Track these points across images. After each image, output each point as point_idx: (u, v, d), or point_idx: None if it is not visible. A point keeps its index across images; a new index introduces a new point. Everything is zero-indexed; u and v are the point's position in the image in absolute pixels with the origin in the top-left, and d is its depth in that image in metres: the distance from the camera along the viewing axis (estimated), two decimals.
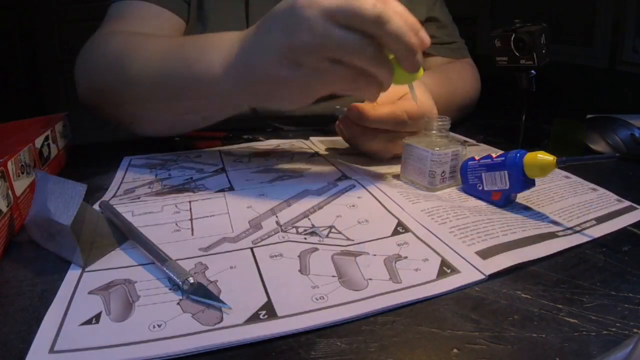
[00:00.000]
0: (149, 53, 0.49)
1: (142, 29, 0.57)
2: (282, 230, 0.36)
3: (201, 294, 0.28)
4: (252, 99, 0.45)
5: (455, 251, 0.33)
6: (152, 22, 0.59)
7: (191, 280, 0.28)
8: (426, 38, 0.39)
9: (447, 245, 0.34)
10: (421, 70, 0.40)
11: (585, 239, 0.35)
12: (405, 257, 0.32)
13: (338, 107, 0.50)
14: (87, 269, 0.32)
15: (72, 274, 0.31)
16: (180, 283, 0.28)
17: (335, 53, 0.36)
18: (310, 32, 0.36)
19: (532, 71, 0.57)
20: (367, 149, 0.52)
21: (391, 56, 0.39)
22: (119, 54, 0.51)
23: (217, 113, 0.49)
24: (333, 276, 0.30)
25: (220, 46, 0.43)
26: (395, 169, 0.49)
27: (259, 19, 0.49)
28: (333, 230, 0.37)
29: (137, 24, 0.58)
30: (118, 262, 0.33)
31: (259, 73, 0.40)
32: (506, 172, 0.39)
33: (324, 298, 0.28)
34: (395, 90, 0.51)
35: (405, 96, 0.50)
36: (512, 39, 0.56)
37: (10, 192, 0.36)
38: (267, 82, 0.40)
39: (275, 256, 0.33)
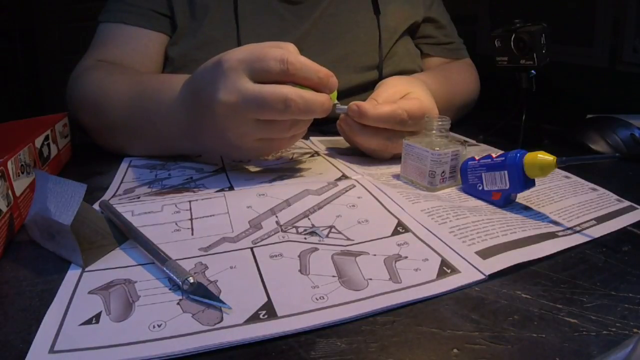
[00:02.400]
0: (119, 102, 0.54)
1: (127, 53, 0.63)
2: (282, 230, 0.36)
3: (201, 294, 0.28)
4: (207, 152, 0.51)
5: (455, 251, 0.33)
6: (135, 43, 0.64)
7: (191, 280, 0.28)
8: (335, 84, 0.43)
9: (447, 245, 0.34)
10: (335, 95, 0.45)
11: (585, 239, 0.35)
12: (405, 257, 0.32)
13: (339, 104, 0.50)
14: (87, 269, 0.32)
15: (72, 274, 0.31)
16: (180, 283, 0.28)
17: (265, 137, 0.43)
18: (235, 129, 0.42)
19: (532, 71, 0.57)
20: (367, 147, 0.52)
21: None
22: (94, 102, 0.56)
23: (189, 153, 0.55)
24: (333, 276, 0.30)
25: (170, 112, 0.48)
26: (395, 169, 0.49)
27: (249, 19, 0.57)
28: (333, 230, 0.37)
29: (123, 48, 0.63)
30: (118, 262, 0.33)
31: (202, 143, 0.48)
32: (506, 172, 0.39)
33: (324, 298, 0.28)
34: (396, 89, 0.51)
35: (407, 95, 0.50)
36: (512, 39, 0.56)
37: (10, 192, 0.36)
38: (210, 148, 0.47)
39: (275, 256, 0.33)
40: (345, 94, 0.70)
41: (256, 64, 0.40)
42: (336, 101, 0.47)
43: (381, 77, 0.70)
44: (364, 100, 0.50)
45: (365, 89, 0.70)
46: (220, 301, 0.27)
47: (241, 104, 0.40)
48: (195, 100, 0.44)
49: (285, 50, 0.41)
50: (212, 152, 0.47)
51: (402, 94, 0.50)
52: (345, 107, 0.49)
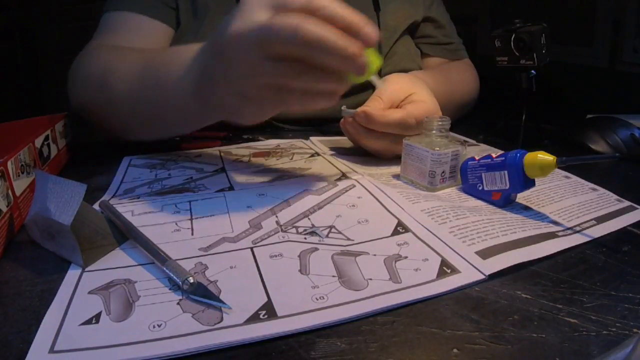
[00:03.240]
0: (126, 75, 0.51)
1: (131, 41, 0.60)
2: (282, 230, 0.36)
3: (201, 294, 0.28)
4: (215, 116, 0.45)
5: (455, 251, 0.33)
6: (140, 33, 0.62)
7: (191, 280, 0.28)
8: (371, 35, 0.34)
9: (447, 245, 0.34)
10: (378, 60, 0.36)
11: (585, 239, 0.35)
12: (405, 257, 0.32)
13: (344, 107, 0.50)
14: (87, 269, 0.32)
15: (72, 274, 0.31)
16: (180, 283, 0.28)
17: (272, 82, 0.35)
18: (242, 66, 0.35)
19: (532, 71, 0.57)
20: (371, 148, 0.53)
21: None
22: (100, 76, 0.53)
23: (193, 127, 0.50)
24: (333, 276, 0.30)
25: (181, 71, 0.44)
26: (395, 169, 0.49)
27: None
28: (333, 230, 0.37)
29: (126, 36, 0.61)
30: (118, 262, 0.32)
31: (213, 102, 0.41)
32: (506, 172, 0.39)
33: (324, 298, 0.28)
34: (399, 87, 0.51)
35: (411, 97, 0.50)
36: (512, 39, 0.56)
37: (10, 192, 0.36)
38: (220, 107, 0.41)
39: (275, 256, 0.33)
40: (344, 93, 0.70)
41: None
42: (372, 77, 0.39)
43: (380, 77, 0.70)
44: (364, 98, 0.51)
45: (364, 88, 0.70)
46: (220, 301, 0.27)
47: (248, 34, 0.34)
48: (211, 46, 0.39)
49: None
50: (221, 110, 0.41)
51: (405, 94, 0.50)
52: (352, 111, 0.50)
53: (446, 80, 0.68)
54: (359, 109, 0.49)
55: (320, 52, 0.33)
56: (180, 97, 0.44)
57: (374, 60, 0.35)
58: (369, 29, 0.34)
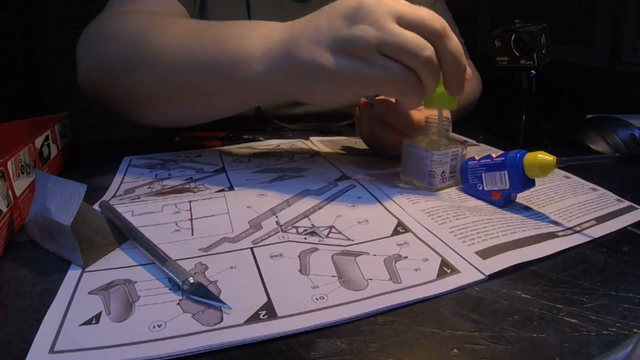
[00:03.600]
0: (177, 30, 0.46)
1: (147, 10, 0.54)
2: (282, 230, 0.36)
3: (201, 294, 0.28)
4: (286, 88, 0.42)
5: (455, 251, 0.33)
6: (157, 6, 0.57)
7: (191, 280, 0.28)
8: (469, 71, 0.40)
9: (447, 245, 0.34)
10: (454, 101, 0.42)
11: (585, 239, 0.35)
12: (405, 257, 0.32)
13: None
14: (87, 269, 0.32)
15: (72, 274, 0.31)
16: (180, 283, 0.28)
17: (392, 50, 0.36)
18: (373, 25, 0.36)
19: (532, 71, 0.57)
20: (379, 140, 0.52)
21: None
22: (140, 30, 0.47)
23: (239, 103, 0.46)
24: (333, 276, 0.30)
25: (263, 28, 0.42)
26: (395, 169, 0.49)
27: (260, 16, 0.48)
28: (333, 230, 0.37)
29: (142, 7, 0.55)
30: (118, 262, 0.33)
31: (305, 58, 0.38)
32: (506, 172, 0.39)
33: (324, 298, 0.28)
34: None
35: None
36: (512, 39, 0.56)
37: (10, 192, 0.36)
38: (310, 69, 0.38)
39: (275, 256, 0.33)
40: None
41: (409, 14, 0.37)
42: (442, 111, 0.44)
43: None
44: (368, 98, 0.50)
45: None
46: (221, 301, 0.27)
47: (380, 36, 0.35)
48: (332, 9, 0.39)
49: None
50: (298, 85, 0.40)
51: None
52: (375, 98, 0.49)
53: None
54: (380, 100, 0.48)
55: (449, 51, 0.37)
56: (247, 54, 0.41)
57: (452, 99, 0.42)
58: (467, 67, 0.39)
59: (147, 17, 0.50)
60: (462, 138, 0.63)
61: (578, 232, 0.36)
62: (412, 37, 0.36)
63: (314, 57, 0.38)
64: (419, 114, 0.48)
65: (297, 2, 0.68)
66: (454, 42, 0.37)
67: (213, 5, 0.64)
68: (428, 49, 0.36)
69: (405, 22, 0.36)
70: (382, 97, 0.48)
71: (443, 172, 0.43)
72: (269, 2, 0.66)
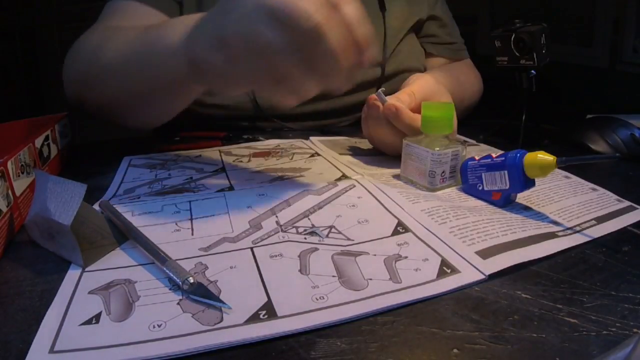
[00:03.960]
0: (121, 42, 0.50)
1: (128, 24, 0.57)
2: (282, 230, 0.36)
3: (201, 294, 0.28)
4: (198, 80, 0.42)
5: (455, 251, 0.33)
6: (139, 19, 0.59)
7: (191, 280, 0.28)
8: (367, 60, 0.36)
9: (447, 245, 0.34)
10: (451, 127, 0.44)
11: (585, 239, 0.35)
12: (405, 257, 0.32)
13: (383, 89, 0.49)
14: (87, 269, 0.32)
15: (72, 274, 0.31)
16: (180, 283, 0.28)
17: (260, 49, 0.33)
18: (243, 22, 0.34)
19: (532, 71, 0.57)
20: (384, 140, 0.52)
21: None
22: (95, 46, 0.53)
23: (180, 101, 0.48)
24: (333, 276, 0.30)
25: (179, 27, 0.42)
26: (395, 169, 0.49)
27: None
28: (333, 230, 0.37)
29: (125, 21, 0.59)
30: (118, 262, 0.33)
31: (199, 55, 0.38)
32: (506, 172, 0.39)
33: (324, 298, 0.28)
34: (430, 93, 0.50)
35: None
36: (512, 39, 0.56)
37: (10, 192, 0.36)
38: (204, 65, 0.38)
39: (275, 256, 0.33)
40: (347, 91, 0.70)
41: None
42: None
43: (383, 75, 0.70)
44: (367, 97, 0.50)
45: (368, 86, 0.70)
46: (220, 301, 0.27)
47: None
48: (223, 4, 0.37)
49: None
50: (210, 75, 0.39)
51: (433, 98, 0.50)
52: (386, 98, 0.48)
53: (457, 83, 0.68)
54: (391, 101, 0.48)
55: (318, 55, 0.33)
56: (174, 61, 0.42)
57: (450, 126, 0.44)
58: (371, 53, 0.35)
59: (103, 34, 0.55)
60: (462, 138, 0.63)
61: (578, 232, 0.36)
62: (277, 40, 0.33)
63: (202, 53, 0.37)
64: None
65: None
66: (327, 43, 0.33)
67: (209, 4, 0.65)
68: (291, 55, 0.33)
69: (278, 16, 0.32)
70: (393, 98, 0.48)
71: (443, 172, 0.43)
72: None
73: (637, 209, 0.41)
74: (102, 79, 0.51)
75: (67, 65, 0.58)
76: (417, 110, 0.47)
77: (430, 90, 0.50)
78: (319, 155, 0.56)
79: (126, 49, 0.48)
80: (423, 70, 0.77)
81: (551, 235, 0.35)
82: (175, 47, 0.41)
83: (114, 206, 0.39)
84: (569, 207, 0.41)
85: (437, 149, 0.42)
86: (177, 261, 0.31)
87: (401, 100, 0.48)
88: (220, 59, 0.35)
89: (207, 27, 0.38)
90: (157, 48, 0.44)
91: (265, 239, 0.35)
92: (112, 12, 0.62)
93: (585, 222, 0.38)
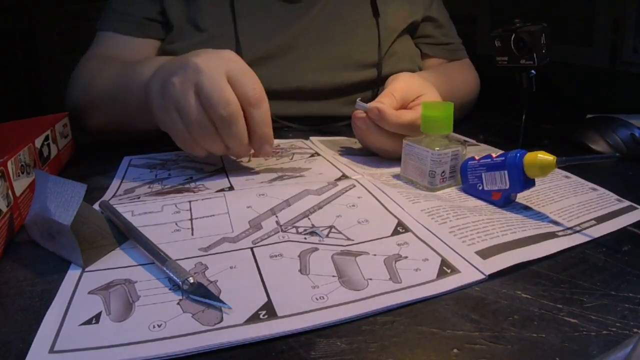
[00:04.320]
0: (107, 76, 0.58)
1: (120, 55, 0.65)
2: (282, 230, 0.36)
3: (201, 294, 0.28)
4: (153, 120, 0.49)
5: (455, 251, 0.33)
6: (127, 51, 0.67)
7: (191, 280, 0.28)
8: (261, 153, 0.46)
9: (447, 245, 0.34)
10: (451, 127, 0.44)
11: (585, 239, 0.35)
12: (405, 257, 0.32)
13: (359, 100, 0.50)
14: (87, 269, 0.32)
15: (72, 274, 0.31)
16: (180, 283, 0.28)
17: (181, 110, 0.42)
18: (177, 83, 0.42)
19: (532, 71, 0.57)
20: (379, 147, 0.52)
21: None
22: (88, 78, 0.62)
23: (149, 127, 0.53)
24: (333, 276, 0.30)
25: (150, 67, 0.50)
26: (395, 169, 0.49)
27: (245, 17, 0.62)
28: (333, 230, 0.37)
29: (116, 52, 0.66)
30: (118, 262, 0.33)
31: (149, 94, 0.46)
32: (506, 172, 0.39)
33: (324, 298, 0.28)
34: (411, 88, 0.50)
35: (420, 99, 0.50)
36: (512, 39, 0.56)
37: (10, 192, 0.36)
38: (149, 100, 0.46)
39: (275, 256, 0.33)
40: (343, 92, 0.70)
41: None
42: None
43: (380, 76, 0.70)
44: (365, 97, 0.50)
45: (364, 87, 0.70)
46: (220, 301, 0.27)
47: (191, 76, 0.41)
48: (170, 63, 0.46)
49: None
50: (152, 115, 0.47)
51: (416, 94, 0.50)
52: (366, 105, 0.49)
53: (448, 80, 0.68)
54: (372, 104, 0.48)
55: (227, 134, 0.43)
56: (138, 99, 0.50)
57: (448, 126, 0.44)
58: (265, 150, 0.46)
59: (95, 65, 0.64)
60: (462, 138, 0.63)
61: (578, 232, 0.36)
62: (192, 113, 0.41)
63: (151, 93, 0.45)
64: (411, 113, 0.48)
65: (286, 3, 0.68)
66: (230, 137, 0.43)
67: (199, 10, 0.65)
68: (230, 106, 0.41)
69: (231, 79, 0.42)
70: (374, 103, 0.48)
71: (443, 171, 0.43)
72: (255, 4, 0.67)
73: (637, 209, 0.41)
74: (95, 108, 0.60)
75: (68, 92, 0.66)
76: (401, 109, 0.48)
77: (410, 87, 0.50)
78: (319, 155, 0.56)
79: (111, 82, 0.57)
80: (418, 71, 0.77)
81: (551, 235, 0.35)
82: (143, 82, 0.48)
83: (114, 206, 0.39)
84: (569, 207, 0.41)
85: (437, 148, 0.42)
86: (177, 261, 0.31)
87: (384, 102, 0.48)
88: (158, 101, 0.44)
89: (160, 71, 0.46)
90: (131, 82, 0.52)
91: (265, 239, 0.35)
92: (102, 42, 0.69)
93: (585, 222, 0.38)
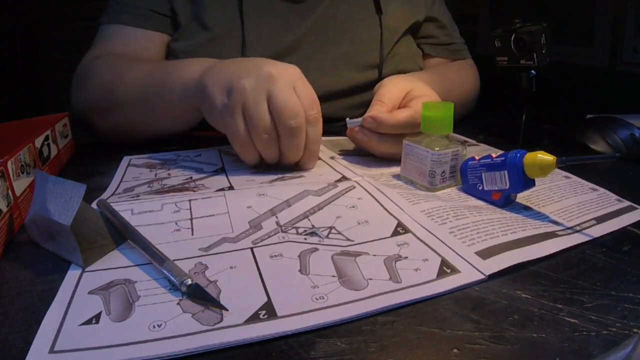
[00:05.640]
0: (135, 77, 0.57)
1: (128, 50, 0.64)
2: (282, 231, 0.36)
3: (198, 296, 0.28)
4: (195, 105, 0.50)
5: (455, 251, 0.33)
6: (136, 43, 0.65)
7: (188, 282, 0.28)
8: (306, 166, 0.50)
9: (447, 245, 0.34)
10: (451, 127, 0.44)
11: (585, 239, 0.35)
12: (405, 258, 0.32)
13: (348, 119, 0.51)
14: (87, 269, 0.32)
15: (72, 274, 0.31)
16: (178, 284, 0.28)
17: (248, 113, 0.44)
18: (248, 85, 0.43)
19: (532, 71, 0.57)
20: (383, 152, 0.52)
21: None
22: (110, 75, 0.59)
23: (182, 122, 0.57)
24: (333, 276, 0.30)
25: (194, 66, 0.51)
26: (395, 169, 0.49)
27: (252, 17, 0.63)
28: (333, 230, 0.37)
29: (124, 47, 0.65)
30: (118, 262, 0.33)
31: (207, 89, 0.47)
32: (506, 172, 0.39)
33: (324, 298, 0.28)
34: (398, 88, 0.51)
35: (411, 93, 0.50)
36: (512, 39, 0.56)
37: (10, 192, 0.36)
38: (206, 97, 0.47)
39: (275, 256, 0.33)
40: (346, 93, 0.70)
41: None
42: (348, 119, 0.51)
43: (380, 77, 0.70)
44: (365, 99, 0.51)
45: (366, 88, 0.70)
46: (218, 303, 0.27)
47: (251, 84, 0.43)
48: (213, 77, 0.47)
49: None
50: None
51: (404, 91, 0.50)
52: (359, 119, 0.50)
53: (442, 78, 0.68)
54: (366, 116, 0.48)
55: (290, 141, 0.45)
56: (179, 97, 0.51)
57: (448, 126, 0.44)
58: (310, 165, 0.50)
59: (116, 63, 0.61)
60: (462, 138, 0.63)
61: (578, 232, 0.36)
62: (231, 123, 0.44)
63: (212, 90, 0.46)
64: (406, 110, 0.48)
65: (291, 3, 0.68)
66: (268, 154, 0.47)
67: (206, 10, 0.65)
68: (237, 135, 0.44)
69: (297, 94, 0.44)
70: (367, 115, 0.49)
71: (443, 172, 0.43)
72: (262, 4, 0.67)
73: (637, 208, 0.41)
74: (118, 107, 0.58)
75: (76, 90, 0.63)
76: (395, 110, 0.49)
77: (396, 87, 0.51)
78: (318, 155, 0.56)
79: (140, 81, 0.56)
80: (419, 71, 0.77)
81: (551, 235, 0.35)
82: (191, 80, 0.49)
83: (113, 204, 0.39)
84: (569, 207, 0.41)
85: (437, 149, 0.42)
86: (177, 261, 0.31)
87: (376, 110, 0.49)
88: (222, 101, 0.45)
89: (222, 71, 0.47)
90: (169, 80, 0.53)
91: (265, 239, 0.35)
92: (108, 36, 0.67)
93: (585, 222, 0.38)
